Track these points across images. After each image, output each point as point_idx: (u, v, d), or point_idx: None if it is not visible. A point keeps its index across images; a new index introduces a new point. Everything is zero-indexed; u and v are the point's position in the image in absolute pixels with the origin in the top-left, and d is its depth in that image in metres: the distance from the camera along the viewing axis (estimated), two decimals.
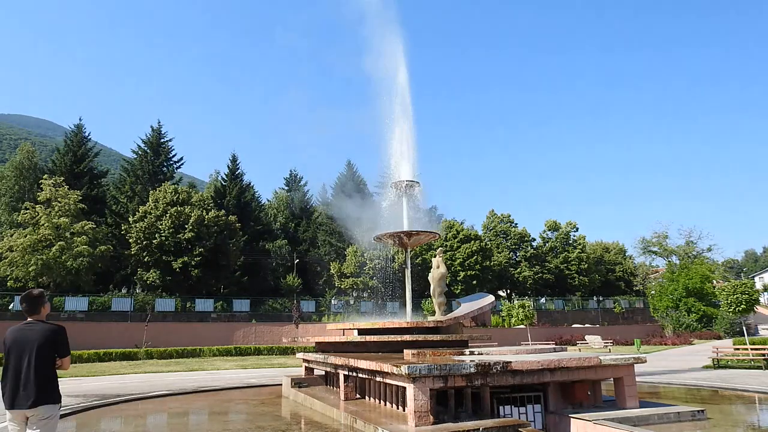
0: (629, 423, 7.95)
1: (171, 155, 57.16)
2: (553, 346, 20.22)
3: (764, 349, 21.45)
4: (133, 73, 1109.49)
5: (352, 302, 48.59)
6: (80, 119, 54.36)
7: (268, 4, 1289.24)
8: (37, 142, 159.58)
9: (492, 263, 53.65)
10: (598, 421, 7.88)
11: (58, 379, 4.94)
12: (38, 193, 40.14)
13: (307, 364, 14.44)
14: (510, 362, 8.35)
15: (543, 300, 58.16)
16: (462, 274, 49.78)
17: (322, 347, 13.47)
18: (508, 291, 62.64)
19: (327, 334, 19.88)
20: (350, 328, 14.86)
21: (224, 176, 63.88)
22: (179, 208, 43.17)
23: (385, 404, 9.66)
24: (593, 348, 35.26)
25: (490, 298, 14.33)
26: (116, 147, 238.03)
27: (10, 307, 36.49)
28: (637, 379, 9.84)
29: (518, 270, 60.00)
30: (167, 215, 42.68)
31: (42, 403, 4.74)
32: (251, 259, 54.01)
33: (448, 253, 50.30)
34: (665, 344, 40.31)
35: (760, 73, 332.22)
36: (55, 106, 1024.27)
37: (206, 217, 43.88)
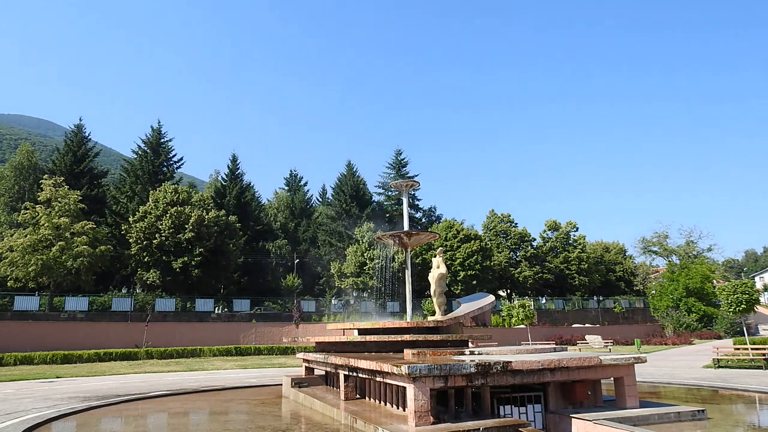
0: (629, 423, 7.96)
1: (171, 155, 57.15)
2: (554, 345, 20.24)
3: (764, 348, 21.47)
4: (133, 73, 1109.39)
5: (352, 302, 48.58)
6: (80, 119, 54.52)
7: (268, 4, 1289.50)
8: (37, 142, 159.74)
9: (492, 263, 53.63)
10: (598, 421, 7.88)
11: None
12: (38, 193, 40.10)
13: (307, 364, 14.44)
14: (510, 362, 8.36)
15: (543, 300, 58.17)
16: (462, 274, 49.75)
17: (323, 347, 13.48)
18: (508, 291, 62.63)
19: (327, 334, 19.88)
20: (350, 328, 14.87)
21: (224, 176, 63.96)
22: (179, 208, 43.15)
23: (386, 404, 9.66)
24: (593, 348, 35.27)
25: (490, 298, 14.34)
26: (116, 147, 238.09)
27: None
28: (637, 378, 9.84)
29: (518, 270, 59.99)
30: (167, 215, 42.66)
31: None
32: (251, 259, 54.01)
33: (448, 253, 50.27)
34: (665, 344, 40.32)
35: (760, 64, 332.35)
36: (55, 106, 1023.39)
37: (206, 217, 43.86)
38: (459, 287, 48.84)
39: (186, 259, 42.06)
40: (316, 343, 13.79)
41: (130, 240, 42.85)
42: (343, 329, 15.99)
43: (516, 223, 64.32)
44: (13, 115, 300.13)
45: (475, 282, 49.49)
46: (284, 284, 51.83)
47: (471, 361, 8.28)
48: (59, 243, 36.28)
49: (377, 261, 47.29)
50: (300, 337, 17.09)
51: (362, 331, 13.49)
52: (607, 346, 35.57)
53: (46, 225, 36.85)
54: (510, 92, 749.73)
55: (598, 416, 8.19)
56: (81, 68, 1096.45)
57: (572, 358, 9.10)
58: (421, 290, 44.26)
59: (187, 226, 42.40)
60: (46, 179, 40.91)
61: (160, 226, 42.28)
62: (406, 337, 12.03)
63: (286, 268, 56.30)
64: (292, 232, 64.16)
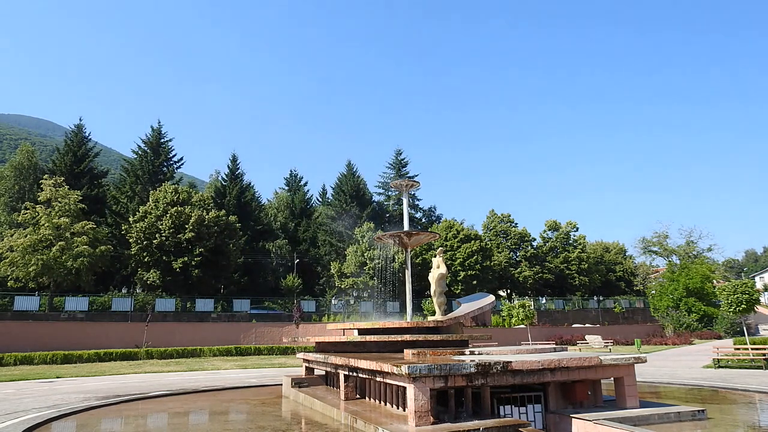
0: (630, 423, 7.95)
1: (171, 155, 57.17)
2: (554, 345, 20.26)
3: (764, 348, 21.47)
4: (133, 73, 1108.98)
5: (352, 302, 48.56)
6: (80, 119, 54.57)
7: (268, 4, 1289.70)
8: (37, 142, 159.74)
9: (492, 263, 53.62)
10: (598, 421, 7.88)
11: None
12: (38, 193, 40.10)
13: (307, 364, 14.44)
14: (510, 362, 8.35)
15: (543, 300, 58.17)
16: (462, 274, 49.75)
17: (323, 347, 13.47)
18: (509, 291, 62.61)
19: (327, 334, 19.88)
20: (350, 328, 14.87)
21: (224, 176, 64.00)
22: (179, 209, 43.14)
23: (386, 404, 9.66)
24: (593, 348, 35.28)
25: (491, 298, 14.34)
26: (116, 147, 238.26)
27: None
28: (637, 378, 9.83)
29: (518, 270, 59.98)
30: (167, 215, 42.66)
31: None
32: (251, 259, 54.00)
33: (449, 253, 50.27)
34: (665, 344, 40.32)
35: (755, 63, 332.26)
36: (55, 106, 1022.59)
37: (206, 217, 43.85)
38: (459, 287, 48.84)
39: (186, 259, 42.06)
40: (316, 343, 13.79)
41: (130, 240, 42.84)
42: (343, 329, 15.99)
43: (516, 223, 64.34)
44: (13, 115, 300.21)
45: (475, 282, 49.50)
46: (284, 284, 51.81)
47: (471, 361, 8.27)
48: (59, 243, 36.28)
49: (377, 261, 47.29)
50: (300, 337, 17.09)
51: (362, 331, 13.49)
52: (607, 346, 35.57)
53: (46, 225, 36.85)
54: (511, 92, 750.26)
55: (598, 416, 8.19)
56: (81, 68, 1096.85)
57: (572, 358, 9.10)
58: (421, 290, 44.25)
59: (187, 226, 42.40)
60: (46, 179, 40.91)
61: (160, 226, 42.28)
62: (406, 337, 12.03)
63: (286, 268, 56.30)
64: (292, 232, 64.15)
